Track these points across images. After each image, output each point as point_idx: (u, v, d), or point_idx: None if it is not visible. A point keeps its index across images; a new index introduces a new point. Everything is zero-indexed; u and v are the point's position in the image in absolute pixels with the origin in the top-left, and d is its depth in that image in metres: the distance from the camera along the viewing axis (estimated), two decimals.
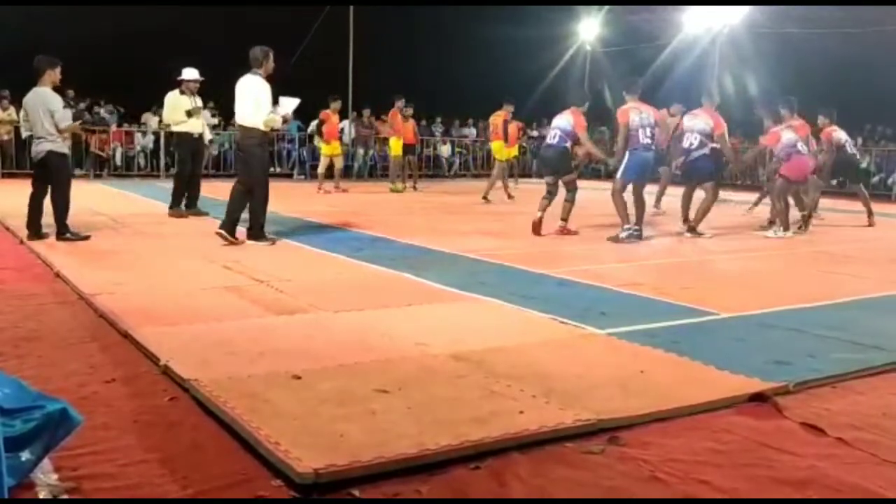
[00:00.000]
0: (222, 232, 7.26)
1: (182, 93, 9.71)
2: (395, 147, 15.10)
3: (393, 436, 2.70)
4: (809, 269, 7.01)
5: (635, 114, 8.27)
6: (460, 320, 4.62)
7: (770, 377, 3.50)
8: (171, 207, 9.74)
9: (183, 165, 9.92)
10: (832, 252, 8.14)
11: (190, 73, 9.71)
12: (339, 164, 14.78)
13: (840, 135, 10.54)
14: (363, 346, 3.93)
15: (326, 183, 14.64)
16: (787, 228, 9.13)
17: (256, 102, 7.22)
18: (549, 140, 8.80)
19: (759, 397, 3.29)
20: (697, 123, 8.95)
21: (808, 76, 16.59)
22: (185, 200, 9.81)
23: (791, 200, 9.56)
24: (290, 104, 7.48)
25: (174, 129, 9.93)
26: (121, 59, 16.55)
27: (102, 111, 17.87)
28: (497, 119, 13.99)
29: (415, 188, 15.72)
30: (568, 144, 8.62)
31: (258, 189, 7.41)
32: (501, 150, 14.13)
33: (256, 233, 7.41)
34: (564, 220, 8.67)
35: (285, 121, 7.71)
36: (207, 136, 10.49)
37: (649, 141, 8.28)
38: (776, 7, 18.43)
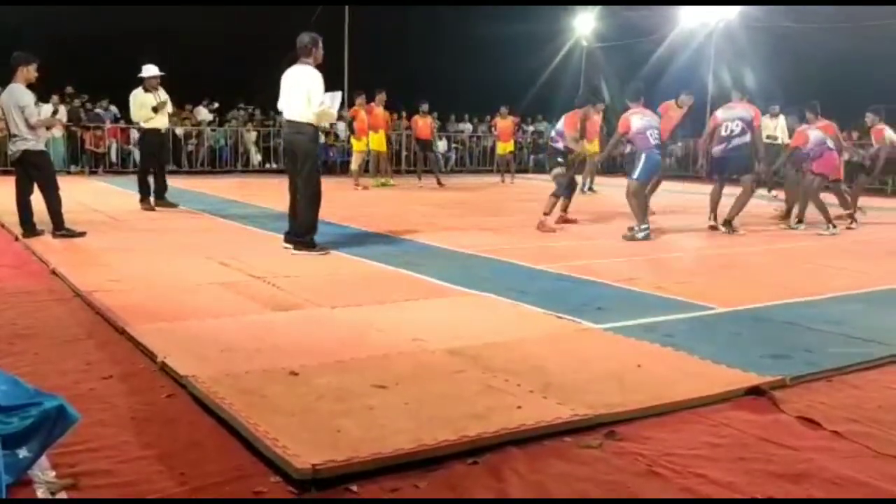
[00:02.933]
0: (288, 246, 6.80)
1: (146, 90, 9.88)
2: (374, 142, 15.01)
3: (390, 431, 2.70)
4: (806, 263, 7.02)
5: (637, 118, 8.39)
6: (457, 316, 4.62)
7: (767, 371, 3.51)
8: (141, 200, 9.99)
9: (148, 161, 10.25)
10: (828, 246, 8.16)
11: (150, 70, 9.85)
12: (358, 160, 14.84)
13: (891, 133, 10.43)
14: (360, 341, 3.93)
15: (363, 179, 14.75)
16: (834, 224, 9.01)
17: (308, 95, 6.60)
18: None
19: (755, 391, 3.30)
20: (737, 112, 8.88)
21: (804, 69, 16.59)
22: (153, 192, 10.08)
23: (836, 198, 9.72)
24: (333, 100, 6.82)
25: (143, 125, 10.13)
26: (118, 57, 16.50)
27: (97, 108, 17.83)
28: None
29: (440, 184, 15.64)
30: (559, 144, 8.95)
31: (307, 191, 6.79)
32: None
33: (305, 241, 6.76)
34: (547, 213, 8.76)
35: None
36: (179, 131, 10.95)
37: (658, 141, 8.43)
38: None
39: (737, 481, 2.48)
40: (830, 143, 9.20)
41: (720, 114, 9.10)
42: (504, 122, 17.02)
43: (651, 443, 2.77)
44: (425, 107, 16.05)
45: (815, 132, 9.20)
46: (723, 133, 8.92)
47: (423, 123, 16.03)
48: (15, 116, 7.17)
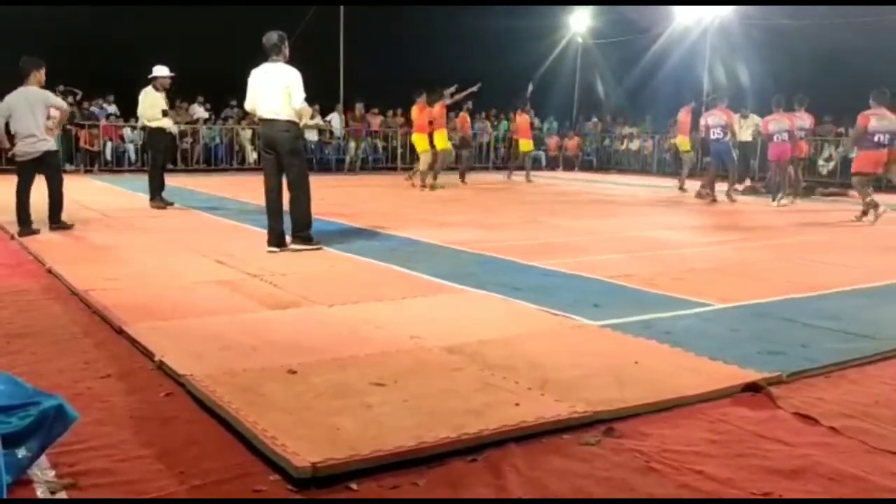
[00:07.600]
0: (274, 249, 6.65)
1: (156, 89, 10.04)
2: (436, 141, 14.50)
3: (389, 429, 2.71)
4: (801, 258, 7.03)
5: (710, 118, 12.23)
6: (454, 313, 4.62)
7: (763, 367, 3.52)
8: (151, 199, 10.26)
9: (157, 160, 10.50)
10: (824, 242, 8.19)
11: (161, 71, 10.02)
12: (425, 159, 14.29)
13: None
14: (357, 339, 3.93)
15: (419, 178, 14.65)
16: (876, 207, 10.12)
17: (287, 91, 6.54)
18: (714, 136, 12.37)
19: (752, 387, 3.31)
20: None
21: (799, 65, 16.62)
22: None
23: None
24: None
25: (150, 124, 10.29)
26: (114, 55, 16.46)
27: (92, 106, 17.76)
28: None
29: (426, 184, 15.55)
30: (728, 138, 12.39)
31: (300, 187, 6.75)
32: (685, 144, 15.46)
33: (305, 236, 6.77)
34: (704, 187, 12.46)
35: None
36: (175, 130, 11.28)
37: (720, 136, 12.18)
38: None
39: (734, 477, 2.49)
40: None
41: (875, 122, 10.14)
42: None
43: (649, 439, 2.78)
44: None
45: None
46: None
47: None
48: (38, 117, 7.38)
